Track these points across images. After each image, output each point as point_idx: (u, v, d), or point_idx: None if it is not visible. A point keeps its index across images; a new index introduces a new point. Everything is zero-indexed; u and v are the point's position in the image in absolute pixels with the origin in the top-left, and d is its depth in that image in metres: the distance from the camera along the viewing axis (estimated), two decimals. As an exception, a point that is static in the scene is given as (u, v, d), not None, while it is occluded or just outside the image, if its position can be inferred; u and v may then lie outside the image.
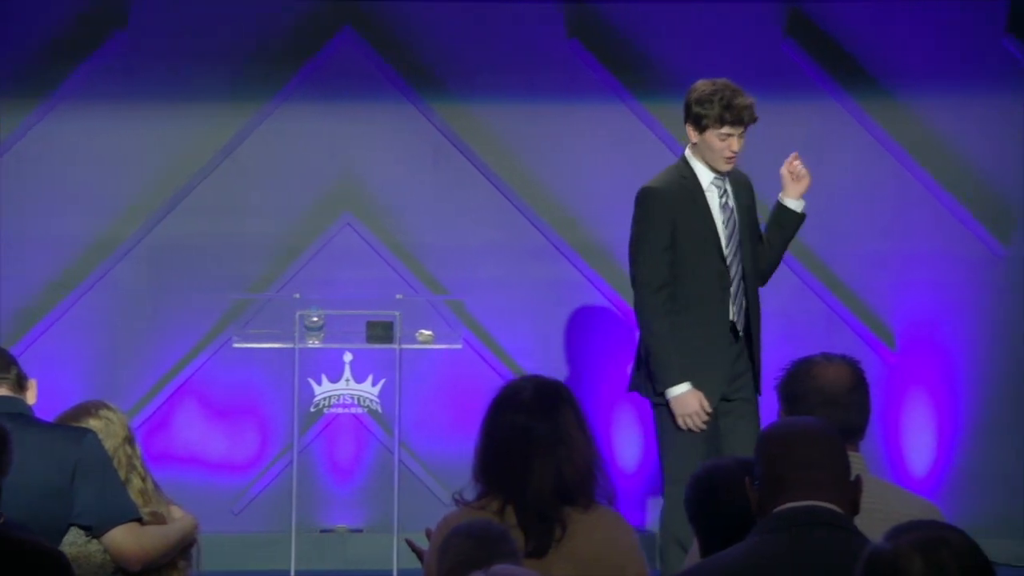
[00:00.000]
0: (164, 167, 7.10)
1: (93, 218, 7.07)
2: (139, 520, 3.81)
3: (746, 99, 5.44)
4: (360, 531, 7.03)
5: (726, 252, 5.48)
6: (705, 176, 5.52)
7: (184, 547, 3.97)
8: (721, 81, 5.53)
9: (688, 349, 5.44)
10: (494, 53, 7.13)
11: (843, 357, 3.60)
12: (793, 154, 5.60)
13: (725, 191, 5.53)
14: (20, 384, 3.90)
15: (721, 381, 5.44)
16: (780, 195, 5.59)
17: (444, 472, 6.92)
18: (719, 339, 5.45)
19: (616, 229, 7.16)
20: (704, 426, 5.41)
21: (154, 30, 7.07)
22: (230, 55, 7.10)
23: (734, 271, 5.48)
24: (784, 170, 5.59)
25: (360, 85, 7.13)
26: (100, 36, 7.08)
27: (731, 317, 5.47)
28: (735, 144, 5.44)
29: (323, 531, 7.02)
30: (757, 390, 5.50)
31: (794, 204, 5.59)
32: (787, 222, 5.60)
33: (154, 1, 7.08)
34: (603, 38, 7.14)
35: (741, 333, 5.47)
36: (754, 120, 5.46)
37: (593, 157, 7.16)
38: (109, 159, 7.08)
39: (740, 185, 5.57)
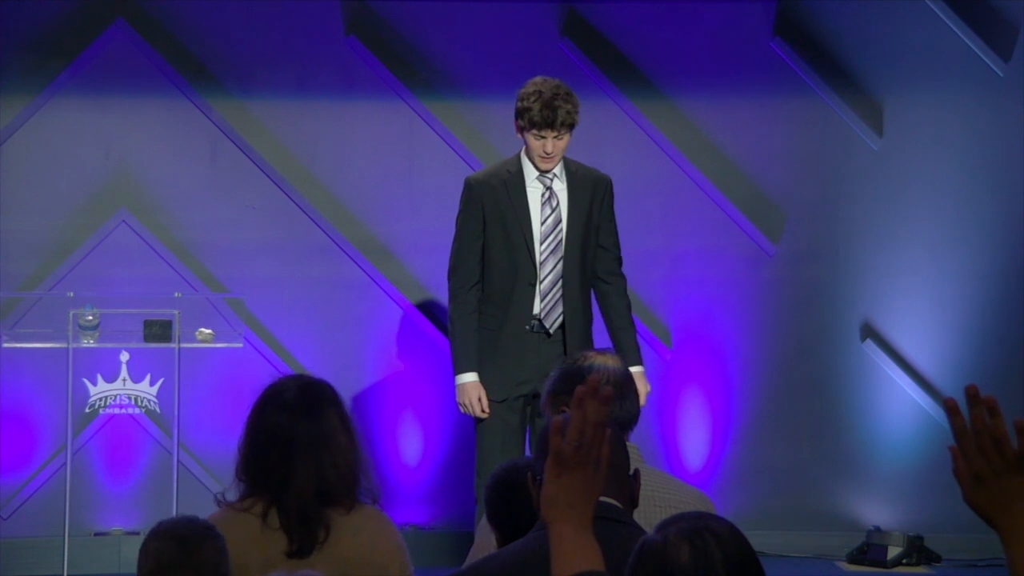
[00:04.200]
0: (-71, 161, 6.89)
1: None
2: None
3: (565, 102, 5.45)
4: (137, 533, 6.91)
5: (540, 248, 5.51)
6: (531, 172, 5.56)
7: None
8: (552, 81, 5.56)
9: (487, 341, 5.49)
10: (272, 49, 7.08)
11: (608, 351, 3.68)
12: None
13: (549, 188, 5.55)
14: None
15: (516, 378, 5.46)
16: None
17: (224, 472, 6.82)
18: (520, 335, 5.48)
19: (396, 226, 7.18)
20: (483, 415, 5.46)
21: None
22: (-1, 46, 6.92)
23: (548, 269, 5.51)
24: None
25: (135, 80, 7.00)
26: None
27: (537, 314, 5.50)
28: (549, 145, 5.46)
29: (97, 534, 6.88)
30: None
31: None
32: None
33: (-82, -10, 6.86)
34: (381, 35, 7.14)
35: (552, 332, 5.49)
36: (572, 123, 5.47)
37: (372, 155, 7.16)
38: None
39: (584, 184, 5.57)
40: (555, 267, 5.52)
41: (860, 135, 7.20)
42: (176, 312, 6.30)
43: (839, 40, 7.20)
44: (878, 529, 7.00)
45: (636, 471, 2.92)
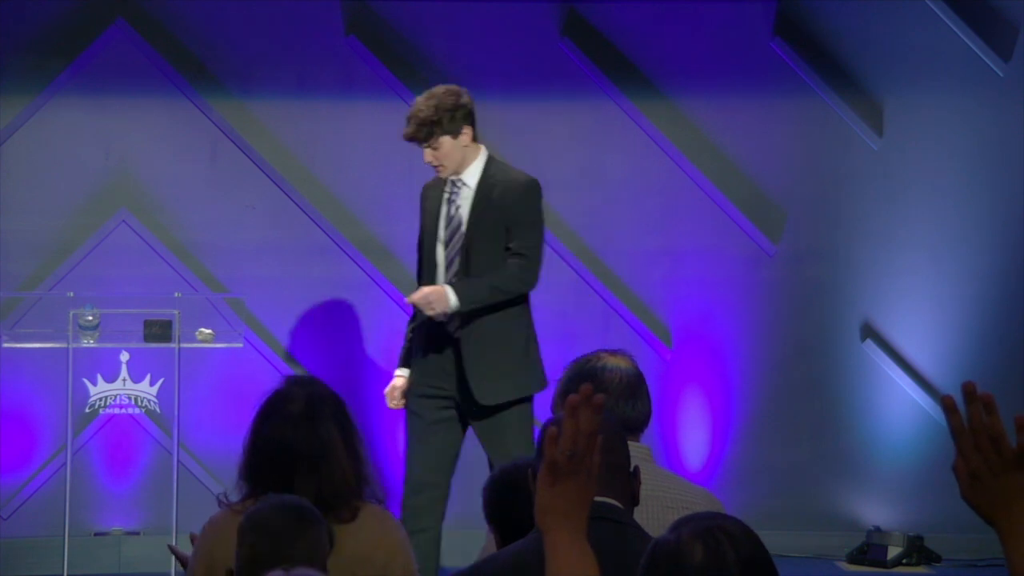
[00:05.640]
0: (-71, 161, 6.88)
1: None
2: None
3: (413, 122, 5.34)
4: (137, 533, 6.90)
5: (445, 252, 5.48)
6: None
7: None
8: (425, 95, 5.43)
9: (417, 336, 5.50)
10: (271, 49, 7.08)
11: (620, 352, 3.66)
12: None
13: (453, 192, 5.48)
14: None
15: (425, 375, 5.43)
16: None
17: (224, 472, 6.82)
18: (433, 335, 5.45)
19: (396, 226, 7.17)
20: (394, 405, 5.52)
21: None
22: (-2, 46, 6.92)
23: (451, 275, 5.43)
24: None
25: (135, 80, 7.00)
26: None
27: (429, 316, 5.46)
28: (426, 156, 5.41)
29: (97, 534, 6.88)
30: (477, 407, 5.38)
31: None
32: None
33: (-83, -11, 6.85)
34: (381, 35, 7.14)
35: (455, 336, 5.43)
36: (415, 139, 5.37)
37: (372, 154, 7.15)
38: None
39: (493, 190, 5.43)
40: (455, 273, 5.43)
41: (860, 135, 7.20)
42: (176, 312, 6.30)
43: (839, 40, 7.20)
44: (878, 529, 7.00)
45: (636, 468, 2.92)
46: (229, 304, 6.92)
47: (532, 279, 5.45)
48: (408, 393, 5.50)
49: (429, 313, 5.37)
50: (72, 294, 6.47)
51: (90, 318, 6.26)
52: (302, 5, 7.07)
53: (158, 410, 6.57)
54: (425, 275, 5.51)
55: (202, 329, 6.36)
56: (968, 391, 2.09)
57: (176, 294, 6.55)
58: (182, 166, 7.05)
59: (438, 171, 5.44)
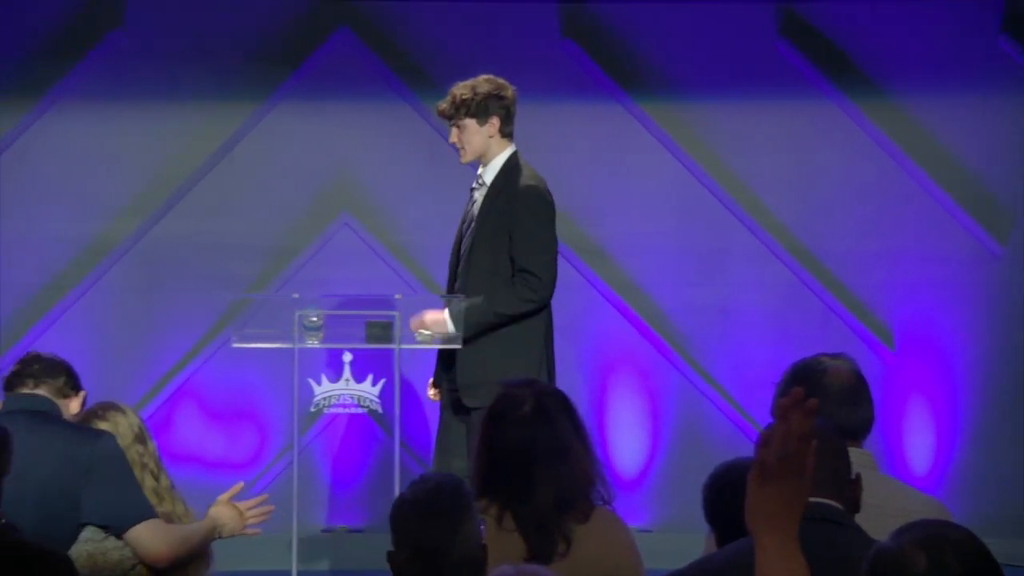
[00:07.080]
0: (160, 167, 7.11)
1: (89, 219, 7.08)
2: (156, 518, 3.85)
3: (452, 92, 5.46)
4: (361, 531, 7.04)
5: (461, 253, 5.51)
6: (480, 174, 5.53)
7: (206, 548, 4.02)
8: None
9: None
10: (489, 53, 7.15)
11: (842, 356, 3.61)
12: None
13: (475, 189, 5.51)
14: (63, 392, 3.95)
15: (438, 371, 5.59)
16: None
17: (444, 471, 6.92)
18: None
19: (608, 226, 7.18)
20: (432, 395, 5.66)
21: (150, 30, 7.08)
22: (227, 55, 7.11)
23: (463, 271, 5.49)
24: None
25: (357, 85, 7.14)
26: (96, 36, 7.09)
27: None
28: (451, 134, 5.49)
29: (324, 531, 7.03)
30: (463, 405, 5.42)
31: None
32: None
33: (150, 1, 7.09)
34: (598, 38, 7.15)
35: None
36: (444, 115, 5.46)
37: (586, 155, 7.17)
38: (105, 160, 7.09)
39: (501, 192, 5.42)
40: (464, 273, 5.46)
41: (1093, 132, 6.99)
42: (397, 314, 6.38)
43: (1070, 35, 7.00)
44: (1115, 539, 6.78)
45: (858, 475, 2.88)
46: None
47: (539, 296, 5.39)
48: (438, 385, 5.65)
49: (422, 337, 5.47)
50: (297, 295, 6.59)
51: (315, 319, 6.37)
52: (519, 9, 7.13)
53: (380, 410, 6.68)
54: (450, 268, 5.59)
55: (422, 330, 6.44)
56: None
57: (397, 296, 6.65)
58: (401, 169, 7.16)
59: (460, 154, 5.50)
